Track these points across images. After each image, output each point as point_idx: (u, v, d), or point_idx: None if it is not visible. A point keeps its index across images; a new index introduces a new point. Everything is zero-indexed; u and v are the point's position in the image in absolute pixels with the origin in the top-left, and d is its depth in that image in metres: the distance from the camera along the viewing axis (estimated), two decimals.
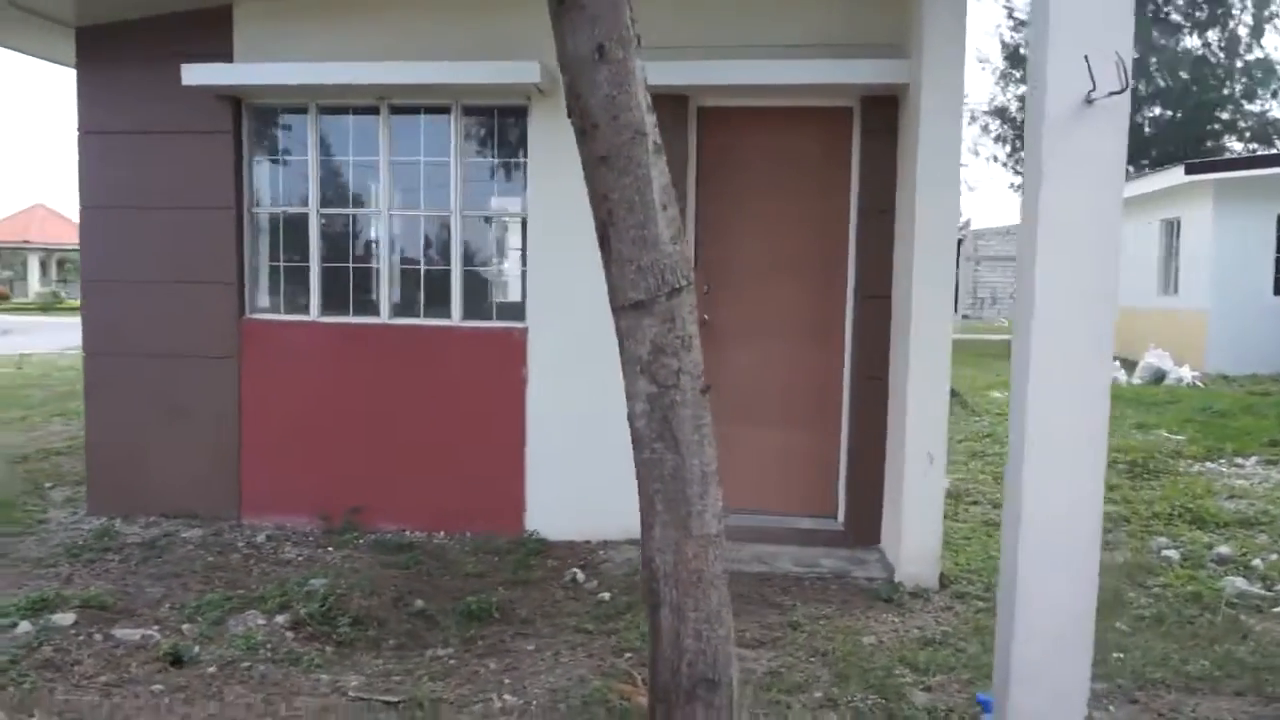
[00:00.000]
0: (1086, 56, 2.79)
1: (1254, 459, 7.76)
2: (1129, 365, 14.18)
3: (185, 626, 4.14)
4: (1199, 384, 12.77)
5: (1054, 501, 2.88)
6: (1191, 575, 4.85)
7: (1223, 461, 7.70)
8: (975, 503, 6.47)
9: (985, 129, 33.11)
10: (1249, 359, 14.83)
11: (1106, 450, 2.90)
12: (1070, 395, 2.86)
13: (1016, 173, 33.79)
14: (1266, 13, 28.76)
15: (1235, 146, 28.67)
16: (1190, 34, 29.12)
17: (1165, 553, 5.20)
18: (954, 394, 10.70)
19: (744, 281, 5.79)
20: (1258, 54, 29.00)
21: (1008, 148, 32.60)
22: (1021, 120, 32.02)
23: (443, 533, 5.73)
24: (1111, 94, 2.79)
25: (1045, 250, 2.84)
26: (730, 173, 5.84)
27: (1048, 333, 2.86)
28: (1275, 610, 4.43)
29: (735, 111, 5.81)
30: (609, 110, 2.93)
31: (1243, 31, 28.90)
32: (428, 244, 6.00)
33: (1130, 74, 2.84)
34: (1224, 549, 5.20)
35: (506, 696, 3.56)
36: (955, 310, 25.99)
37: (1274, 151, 15.50)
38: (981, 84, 72.20)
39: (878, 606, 4.58)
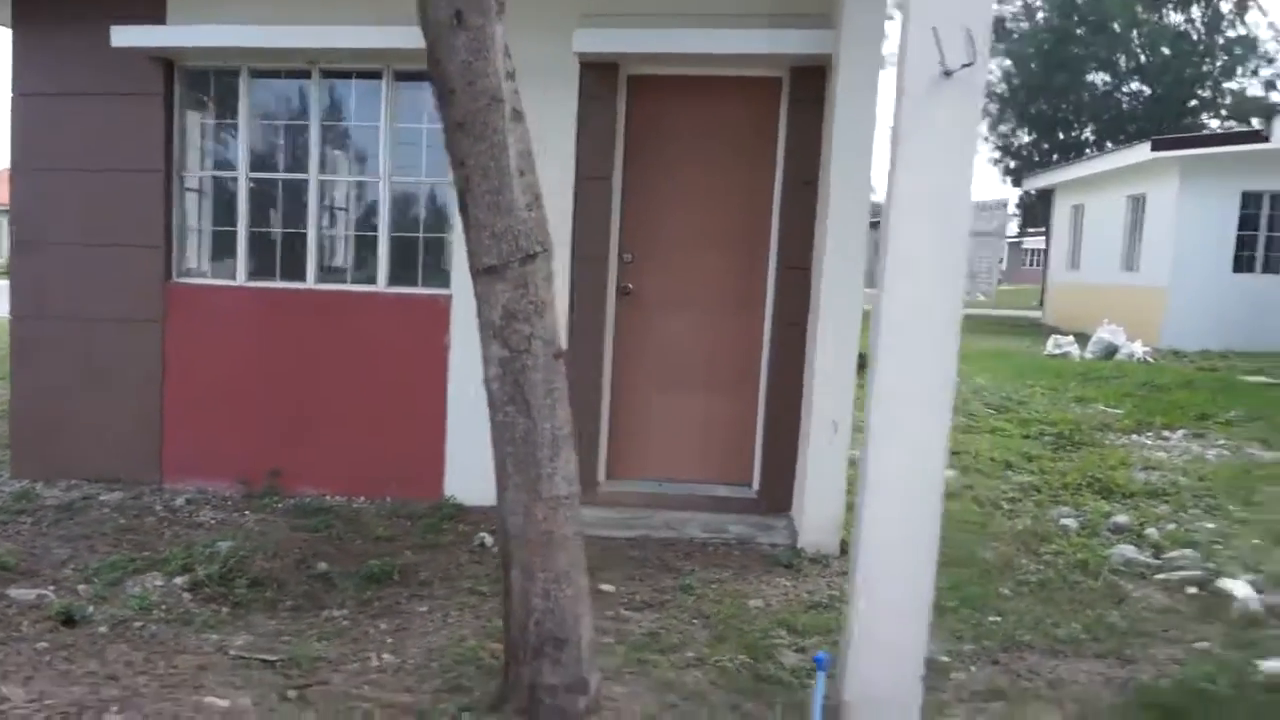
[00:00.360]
0: (935, 29, 2.84)
1: (1181, 432, 7.88)
2: (1083, 340, 14.30)
3: (82, 587, 4.19)
4: (1148, 359, 12.90)
5: (898, 470, 2.96)
6: (1085, 543, 4.95)
7: (1150, 434, 7.82)
8: None
9: None
10: (1204, 335, 14.98)
11: (950, 420, 2.95)
12: (917, 366, 2.92)
13: (1000, 148, 33.88)
14: None
15: (1212, 124, 28.77)
16: (1174, 9, 29.11)
17: (1064, 521, 5.30)
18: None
19: (669, 251, 5.83)
20: (1240, 31, 29.03)
21: (986, 120, 32.58)
22: (1002, 92, 32.04)
23: (363, 497, 5.79)
24: (964, 66, 2.83)
25: (899, 221, 2.90)
26: (660, 142, 5.85)
27: (898, 300, 2.92)
28: (1157, 577, 4.54)
29: (666, 80, 5.81)
30: (465, 76, 2.96)
31: (1225, 7, 28.90)
32: (357, 210, 6.02)
33: (985, 47, 2.88)
34: (1122, 518, 5.31)
35: (385, 656, 3.63)
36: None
37: (1240, 129, 15.46)
38: None
39: (775, 571, 4.67)
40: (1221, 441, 7.55)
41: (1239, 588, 4.25)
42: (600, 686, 3.12)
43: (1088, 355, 13.37)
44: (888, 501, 2.94)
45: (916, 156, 2.87)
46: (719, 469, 5.86)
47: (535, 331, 2.93)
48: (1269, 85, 27.99)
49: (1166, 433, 7.90)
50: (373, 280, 5.89)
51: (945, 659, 3.66)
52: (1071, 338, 14.52)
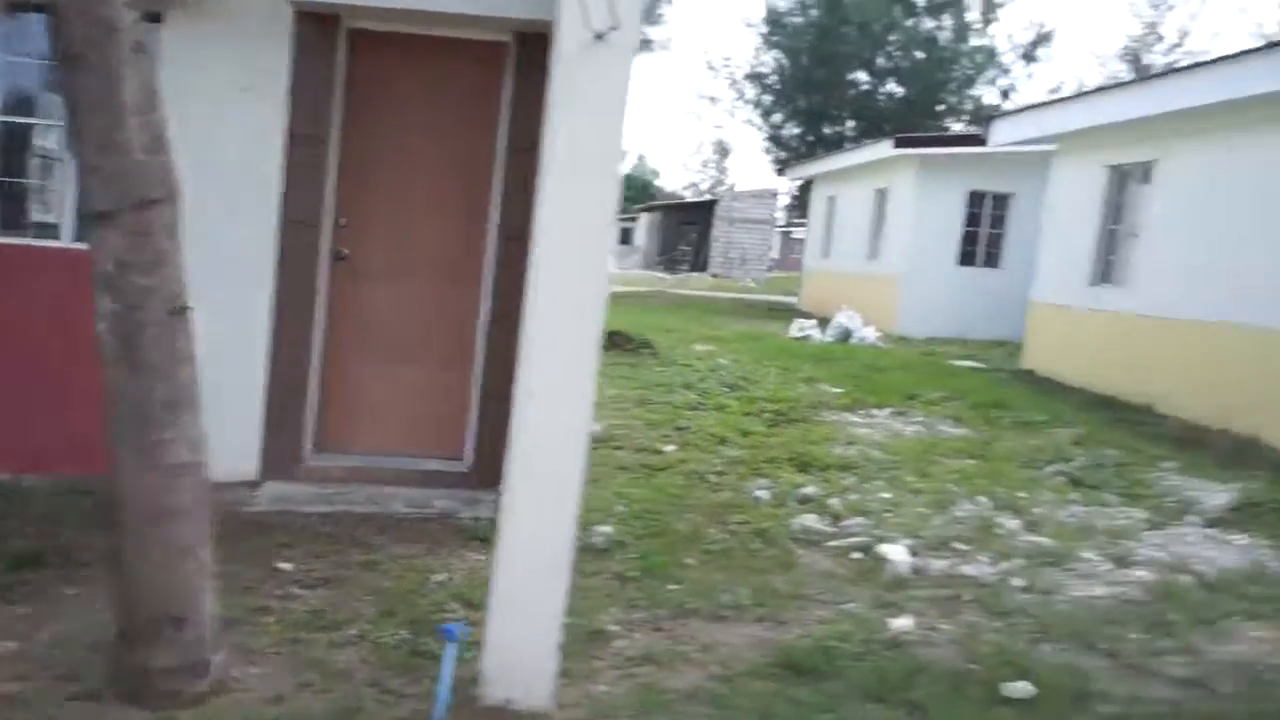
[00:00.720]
0: None
1: (888, 410, 8.48)
2: (825, 324, 15.18)
3: None
4: (879, 344, 13.85)
5: (541, 439, 2.94)
6: (773, 513, 5.21)
7: (861, 413, 8.37)
8: (619, 448, 6.66)
9: (741, 95, 34.30)
10: (932, 322, 16.25)
11: (593, 383, 2.97)
12: (564, 326, 2.91)
13: (771, 138, 35.32)
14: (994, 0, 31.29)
15: (957, 127, 31.24)
16: (927, 15, 31.24)
17: (758, 493, 5.56)
18: (646, 344, 11.08)
19: (388, 217, 5.60)
20: (984, 41, 31.58)
21: (760, 110, 33.88)
22: (774, 84, 33.41)
23: (34, 474, 5.23)
24: (611, 30, 2.83)
25: (552, 183, 2.87)
26: (383, 102, 5.60)
27: (550, 264, 2.90)
28: (829, 544, 4.84)
29: (391, 38, 5.56)
30: (78, 2, 2.66)
31: (972, 18, 31.34)
32: None
33: (633, 12, 2.89)
34: (810, 489, 5.63)
35: (7, 643, 3.28)
36: (707, 269, 26.70)
37: (968, 132, 16.87)
38: (745, 48, 74.45)
39: (472, 546, 4.60)
40: (919, 419, 8.19)
41: (895, 552, 4.59)
42: (228, 667, 2.94)
43: (827, 339, 14.20)
44: (533, 473, 2.93)
45: (569, 120, 2.86)
46: (432, 442, 5.73)
47: (152, 285, 2.69)
48: (1004, 94, 30.80)
49: (875, 411, 8.47)
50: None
51: (614, 628, 3.73)
52: (814, 322, 15.37)
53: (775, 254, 49.53)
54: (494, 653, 2.96)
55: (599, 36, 2.83)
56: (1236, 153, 9.30)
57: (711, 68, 39.00)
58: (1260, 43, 8.57)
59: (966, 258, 16.86)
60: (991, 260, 16.88)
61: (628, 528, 4.88)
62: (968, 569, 4.54)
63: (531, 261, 2.92)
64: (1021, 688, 3.27)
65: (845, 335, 14.21)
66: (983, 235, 16.87)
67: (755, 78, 33.70)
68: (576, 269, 2.90)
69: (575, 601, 3.95)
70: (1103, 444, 7.64)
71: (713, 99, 40.75)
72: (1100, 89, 10.93)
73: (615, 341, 10.81)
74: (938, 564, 4.58)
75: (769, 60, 32.87)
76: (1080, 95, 11.36)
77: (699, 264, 44.81)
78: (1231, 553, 5.10)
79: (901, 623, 3.77)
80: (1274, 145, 8.73)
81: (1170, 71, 11.29)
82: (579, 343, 2.92)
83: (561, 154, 2.87)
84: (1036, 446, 7.36)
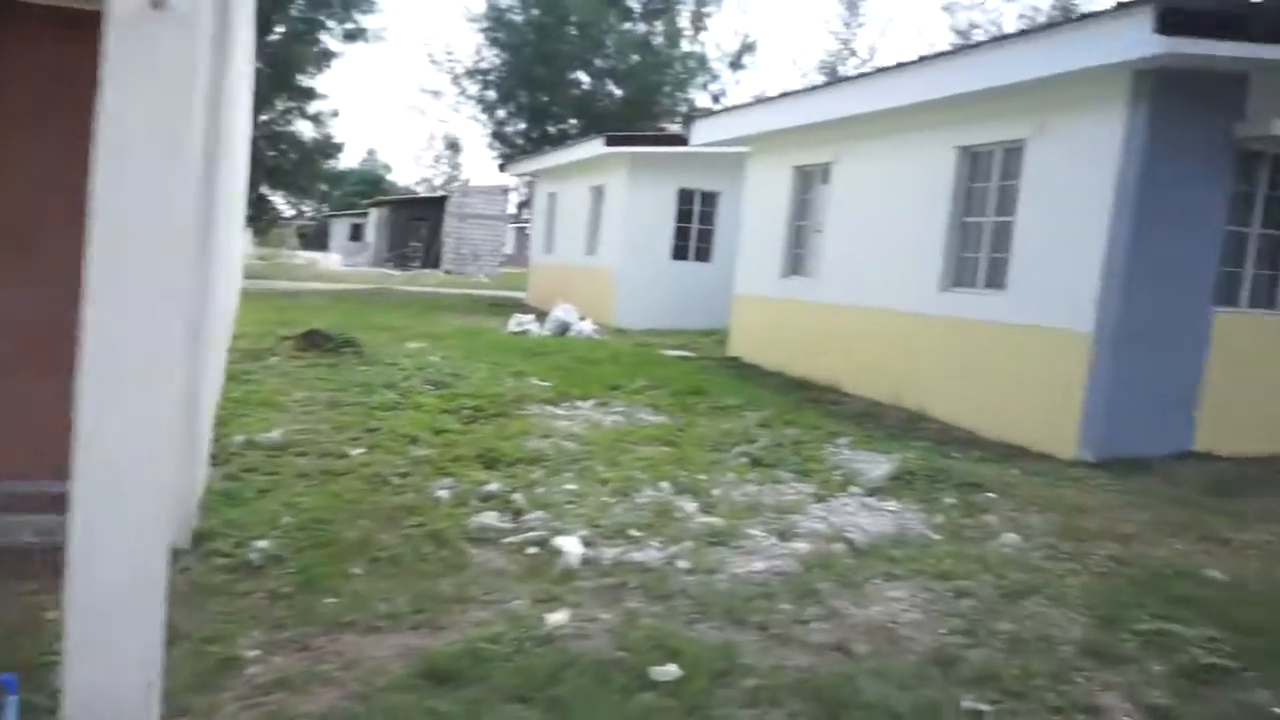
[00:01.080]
0: None
1: (591, 402, 8.55)
2: (544, 318, 15.21)
3: None
4: (595, 336, 14.05)
5: (116, 450, 2.58)
6: (452, 513, 5.03)
7: (565, 405, 8.38)
8: (302, 454, 6.23)
9: (464, 90, 33.81)
10: (650, 315, 16.76)
11: (175, 390, 2.66)
12: (134, 334, 2.57)
13: (495, 134, 35.05)
14: (704, 9, 32.75)
15: (673, 128, 32.48)
16: (641, 20, 32.21)
17: (440, 493, 5.37)
18: (350, 343, 10.56)
19: None
20: (696, 47, 33.00)
21: (483, 107, 33.57)
22: (496, 80, 33.19)
23: None
24: None
25: (110, 169, 2.52)
26: None
27: (109, 250, 2.54)
28: (506, 541, 4.72)
29: None
30: None
31: (683, 24, 32.65)
32: None
33: None
34: (493, 486, 5.51)
35: None
36: (440, 265, 26.01)
37: (674, 133, 17.52)
38: (467, 42, 73.76)
39: None
40: (621, 409, 8.31)
41: (569, 544, 4.55)
42: None
43: (544, 333, 14.22)
44: (103, 481, 2.57)
45: (126, 97, 2.51)
46: (65, 462, 5.07)
47: None
48: (715, 99, 32.36)
49: (580, 403, 8.51)
50: None
51: (253, 653, 3.40)
52: (532, 316, 15.37)
53: (509, 250, 49.44)
54: (76, 699, 2.57)
55: (155, 4, 2.50)
56: (889, 156, 10.21)
57: (434, 61, 38.15)
58: (913, 58, 9.40)
59: (680, 252, 17.50)
60: (703, 255, 17.62)
61: (290, 540, 4.52)
62: (638, 555, 4.58)
63: (88, 257, 2.54)
64: (668, 670, 3.30)
65: (563, 329, 14.30)
66: (694, 231, 17.58)
67: (478, 73, 33.34)
68: (142, 262, 2.56)
69: (214, 627, 3.61)
70: (789, 424, 8.08)
71: (436, 93, 39.85)
72: (784, 95, 11.61)
73: (313, 341, 10.23)
74: (610, 552, 4.58)
75: (490, 56, 32.62)
76: (767, 100, 12.04)
77: (431, 260, 43.85)
78: (884, 519, 5.50)
79: (557, 617, 3.71)
80: (916, 148, 9.64)
81: (841, 80, 12.23)
82: (153, 355, 2.59)
83: (116, 137, 2.52)
84: (726, 430, 7.66)
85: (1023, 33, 8.35)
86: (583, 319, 14.71)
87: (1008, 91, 8.19)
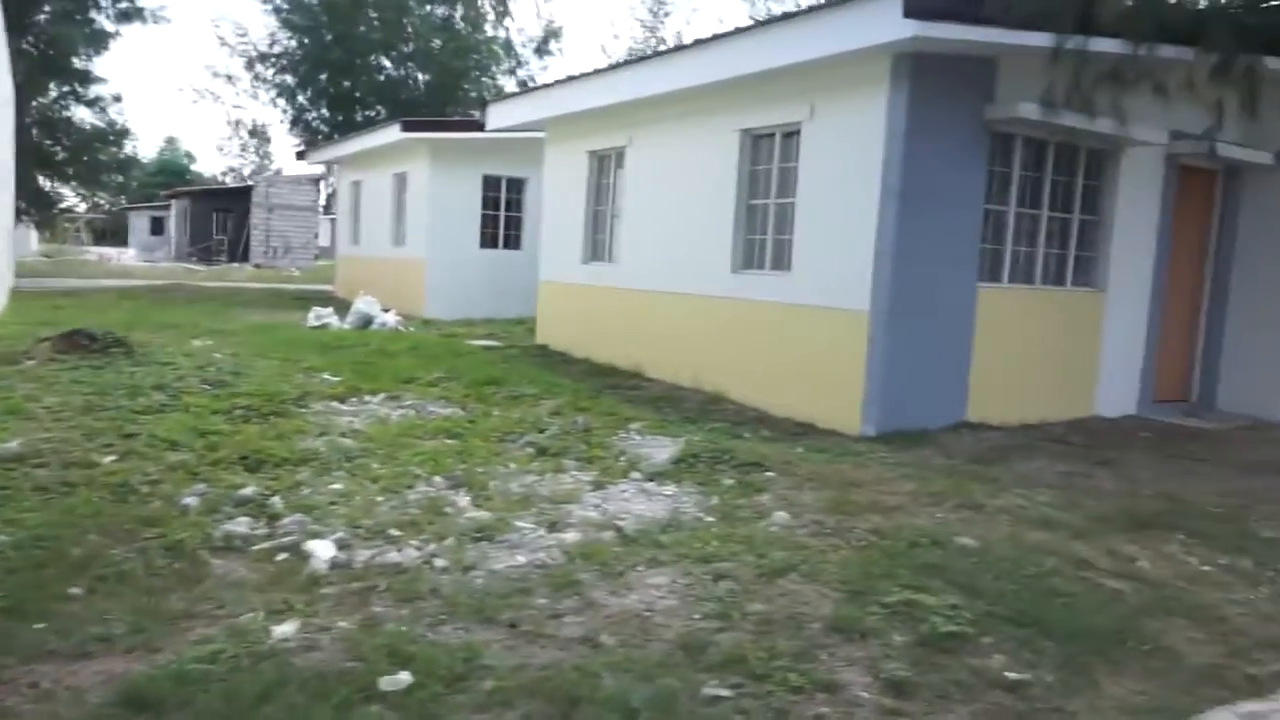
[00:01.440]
0: None
1: (381, 396, 8.23)
2: (345, 311, 14.63)
3: None
4: (399, 328, 13.62)
5: None
6: (198, 522, 4.69)
7: (353, 400, 8.03)
8: (42, 465, 5.67)
9: (259, 75, 32.08)
10: (460, 305, 16.42)
11: None
12: None
13: (295, 121, 33.47)
14: None
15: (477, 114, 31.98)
16: (440, 3, 31.37)
17: (188, 501, 4.99)
18: (119, 343, 9.78)
19: None
20: (498, 32, 32.47)
21: (280, 92, 31.99)
22: (292, 64, 31.62)
23: None
24: None
25: None
26: None
27: None
28: (256, 548, 4.43)
29: None
30: None
31: (485, 8, 32.06)
32: None
33: None
34: (249, 490, 5.18)
35: None
36: (249, 259, 24.75)
37: (474, 119, 17.13)
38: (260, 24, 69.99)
39: None
40: (411, 402, 8.04)
41: (320, 548, 4.31)
42: None
43: (345, 326, 13.66)
44: None
45: None
46: None
47: None
48: (522, 84, 31.94)
49: (369, 398, 8.18)
50: None
51: None
52: (331, 309, 14.74)
53: (324, 242, 47.47)
54: None
55: None
56: (679, 139, 10.31)
57: (225, 44, 35.91)
58: (696, 40, 9.51)
59: (488, 240, 17.20)
60: (512, 242, 17.38)
61: (3, 561, 4.09)
62: (395, 555, 4.38)
63: None
64: (399, 679, 3.14)
65: (366, 321, 13.78)
66: (502, 218, 17.31)
67: (272, 57, 31.68)
68: None
69: None
70: (585, 411, 8.02)
71: (230, 78, 37.55)
72: (576, 77, 11.51)
73: (76, 342, 9.40)
74: (364, 554, 4.37)
75: (283, 39, 31.05)
76: (561, 82, 11.90)
77: (239, 254, 41.55)
78: (658, 504, 5.49)
79: (284, 629, 3.48)
80: (704, 132, 9.77)
81: (630, 62, 12.24)
82: None
83: None
84: (518, 420, 7.53)
85: (792, 15, 8.51)
86: (386, 310, 14.23)
87: (783, 74, 8.38)
